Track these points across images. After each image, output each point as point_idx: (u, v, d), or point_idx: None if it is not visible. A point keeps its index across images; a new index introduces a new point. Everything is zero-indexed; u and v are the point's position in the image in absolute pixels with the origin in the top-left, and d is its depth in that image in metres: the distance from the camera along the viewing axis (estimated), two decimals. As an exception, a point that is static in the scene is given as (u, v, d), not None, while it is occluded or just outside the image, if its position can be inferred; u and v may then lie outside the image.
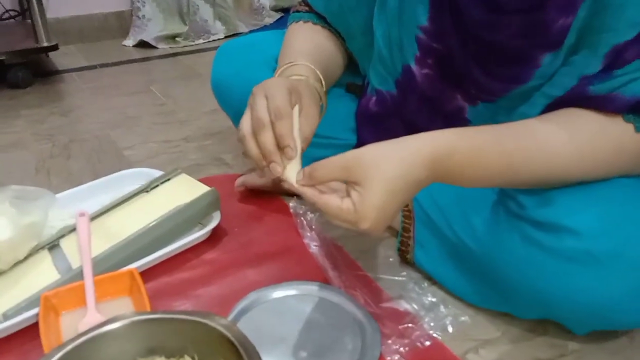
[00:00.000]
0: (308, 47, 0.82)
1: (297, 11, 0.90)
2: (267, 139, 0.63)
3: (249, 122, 0.65)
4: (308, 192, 0.59)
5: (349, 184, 0.57)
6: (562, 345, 0.70)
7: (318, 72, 0.76)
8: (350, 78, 0.96)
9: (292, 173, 0.62)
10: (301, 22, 0.88)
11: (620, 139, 0.58)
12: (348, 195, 0.56)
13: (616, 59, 0.57)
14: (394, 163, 0.55)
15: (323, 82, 0.77)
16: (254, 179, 1.00)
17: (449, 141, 0.57)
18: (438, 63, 0.74)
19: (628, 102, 0.56)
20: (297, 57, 0.78)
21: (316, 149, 0.87)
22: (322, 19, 0.87)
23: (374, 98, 0.86)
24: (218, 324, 0.55)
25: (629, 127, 0.57)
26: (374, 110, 0.86)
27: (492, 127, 0.60)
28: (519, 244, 0.65)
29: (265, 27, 2.38)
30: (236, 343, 0.53)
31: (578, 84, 0.60)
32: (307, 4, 0.89)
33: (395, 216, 0.59)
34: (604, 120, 0.58)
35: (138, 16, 2.21)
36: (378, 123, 0.87)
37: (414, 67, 0.76)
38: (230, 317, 0.71)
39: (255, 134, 0.64)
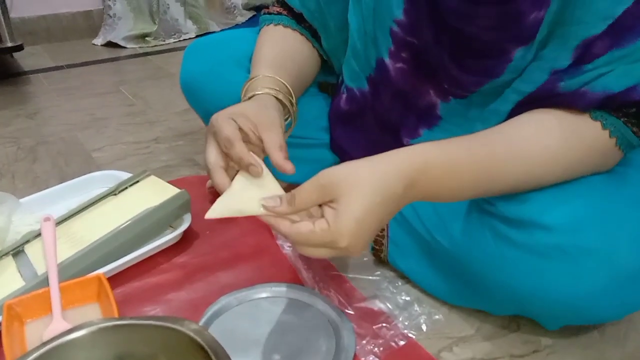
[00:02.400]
0: (277, 56, 0.80)
1: (269, 13, 0.88)
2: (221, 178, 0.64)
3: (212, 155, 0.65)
4: (281, 225, 0.56)
5: (324, 204, 0.55)
6: (535, 340, 0.70)
7: (285, 82, 0.75)
8: (323, 77, 0.95)
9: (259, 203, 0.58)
10: (272, 26, 0.86)
11: (590, 139, 0.58)
12: (322, 216, 0.54)
13: (585, 53, 0.57)
14: (369, 176, 0.54)
15: (292, 92, 0.76)
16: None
17: (423, 155, 0.56)
18: (412, 57, 0.73)
19: (597, 98, 0.56)
20: (264, 68, 0.76)
21: (289, 149, 0.86)
22: (293, 21, 0.86)
23: (344, 95, 0.85)
24: (188, 329, 0.54)
25: (597, 125, 0.58)
26: (344, 108, 0.86)
27: (466, 139, 0.59)
28: (490, 240, 0.65)
29: (237, 26, 2.36)
30: (207, 348, 0.51)
31: (549, 80, 0.60)
32: (280, 5, 0.87)
33: (376, 233, 0.56)
34: (575, 121, 0.58)
35: (109, 15, 2.17)
36: (349, 121, 0.86)
37: (388, 61, 0.75)
38: (202, 321, 0.69)
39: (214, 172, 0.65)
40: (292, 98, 0.76)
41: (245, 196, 0.58)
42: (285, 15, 0.86)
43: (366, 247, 0.56)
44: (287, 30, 0.85)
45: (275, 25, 0.85)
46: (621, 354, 0.68)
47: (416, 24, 0.70)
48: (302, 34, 0.86)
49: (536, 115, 0.60)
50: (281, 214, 0.56)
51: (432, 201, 0.61)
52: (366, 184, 0.53)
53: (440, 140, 0.59)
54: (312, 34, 0.86)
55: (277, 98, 0.73)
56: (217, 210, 0.57)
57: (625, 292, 0.59)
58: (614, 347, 0.69)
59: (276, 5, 0.88)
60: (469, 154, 0.58)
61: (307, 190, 0.55)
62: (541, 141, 0.58)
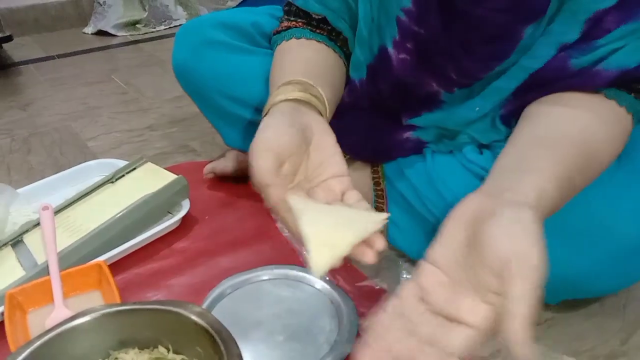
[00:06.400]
0: (305, 63, 0.69)
1: (277, 32, 0.77)
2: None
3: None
4: None
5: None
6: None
7: (318, 88, 0.63)
8: None
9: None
10: (283, 43, 0.74)
11: (618, 120, 0.57)
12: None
13: (595, 27, 0.56)
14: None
15: (325, 100, 0.63)
16: (224, 165, 0.99)
17: (551, 208, 0.50)
18: (417, 48, 0.71)
19: (612, 75, 0.55)
20: (292, 75, 0.64)
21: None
22: (306, 30, 0.75)
23: (346, 88, 0.82)
24: (191, 312, 0.54)
25: (613, 103, 0.56)
26: (345, 100, 0.82)
27: (566, 170, 0.52)
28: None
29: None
30: (211, 330, 0.52)
31: (557, 56, 0.59)
32: (293, 15, 0.77)
33: None
34: (603, 105, 0.57)
35: (99, 2, 2.15)
36: (345, 111, 0.83)
37: (391, 50, 0.72)
38: (204, 305, 0.69)
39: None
40: (326, 108, 0.63)
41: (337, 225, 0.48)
42: (295, 27, 0.76)
43: None
44: (301, 41, 0.74)
45: (287, 40, 0.74)
46: (621, 324, 0.69)
47: (425, 11, 0.68)
48: (319, 42, 0.74)
49: (584, 108, 0.57)
50: None
51: None
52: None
53: (552, 182, 0.50)
54: (330, 39, 0.75)
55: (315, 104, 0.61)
56: (324, 261, 0.46)
57: (625, 265, 0.60)
58: (613, 317, 0.70)
59: (284, 21, 0.77)
60: (571, 186, 0.53)
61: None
62: (607, 136, 0.56)
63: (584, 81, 0.57)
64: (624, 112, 0.57)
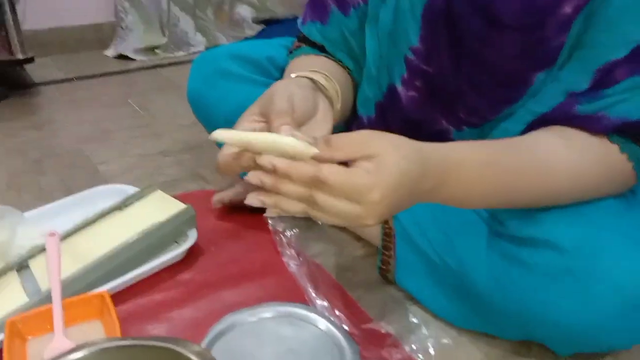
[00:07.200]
0: (318, 65, 0.74)
1: (290, 52, 0.83)
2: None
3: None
4: (303, 166, 0.48)
5: (359, 159, 0.49)
6: (546, 366, 0.68)
7: (328, 74, 0.70)
8: None
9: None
10: (295, 59, 0.81)
11: (610, 161, 0.58)
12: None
13: (605, 77, 0.56)
14: (413, 149, 0.51)
15: (336, 85, 0.70)
16: (232, 195, 0.98)
17: (461, 152, 0.55)
18: (425, 86, 0.71)
19: (613, 123, 0.56)
20: (300, 71, 0.70)
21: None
22: (315, 50, 0.81)
23: (354, 125, 0.83)
24: (190, 351, 0.53)
25: (615, 148, 0.57)
26: None
27: (498, 146, 0.59)
28: (498, 262, 0.64)
29: (246, 39, 2.37)
30: (209, 372, 0.51)
31: (565, 102, 0.59)
32: (301, 40, 0.83)
33: (394, 211, 0.51)
34: (596, 142, 0.58)
35: (122, 27, 2.19)
36: None
37: (400, 88, 0.73)
38: (206, 341, 0.68)
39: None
40: (337, 89, 0.71)
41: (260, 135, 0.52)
42: (307, 46, 0.82)
43: (381, 221, 0.52)
44: (310, 56, 0.80)
45: (298, 57, 0.80)
46: (634, 381, 0.67)
47: (433, 51, 0.68)
48: (327, 58, 0.80)
49: (561, 133, 0.59)
50: (315, 156, 0.49)
51: (454, 206, 0.58)
52: (409, 156, 0.50)
53: (474, 142, 0.58)
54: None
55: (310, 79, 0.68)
56: (225, 134, 0.52)
57: (635, 320, 0.58)
58: (627, 374, 0.68)
59: (296, 42, 0.85)
60: (500, 160, 0.57)
61: (349, 138, 0.49)
62: (568, 157, 0.58)
63: (587, 124, 0.57)
64: (624, 158, 0.57)
